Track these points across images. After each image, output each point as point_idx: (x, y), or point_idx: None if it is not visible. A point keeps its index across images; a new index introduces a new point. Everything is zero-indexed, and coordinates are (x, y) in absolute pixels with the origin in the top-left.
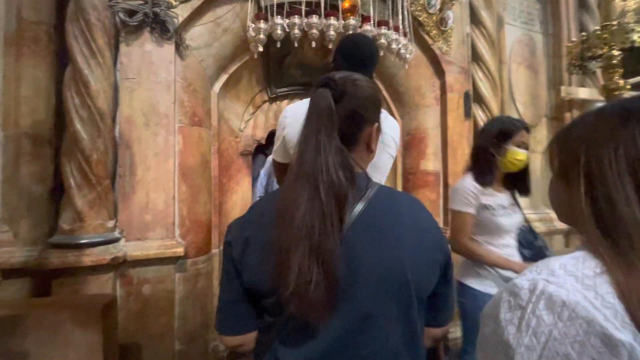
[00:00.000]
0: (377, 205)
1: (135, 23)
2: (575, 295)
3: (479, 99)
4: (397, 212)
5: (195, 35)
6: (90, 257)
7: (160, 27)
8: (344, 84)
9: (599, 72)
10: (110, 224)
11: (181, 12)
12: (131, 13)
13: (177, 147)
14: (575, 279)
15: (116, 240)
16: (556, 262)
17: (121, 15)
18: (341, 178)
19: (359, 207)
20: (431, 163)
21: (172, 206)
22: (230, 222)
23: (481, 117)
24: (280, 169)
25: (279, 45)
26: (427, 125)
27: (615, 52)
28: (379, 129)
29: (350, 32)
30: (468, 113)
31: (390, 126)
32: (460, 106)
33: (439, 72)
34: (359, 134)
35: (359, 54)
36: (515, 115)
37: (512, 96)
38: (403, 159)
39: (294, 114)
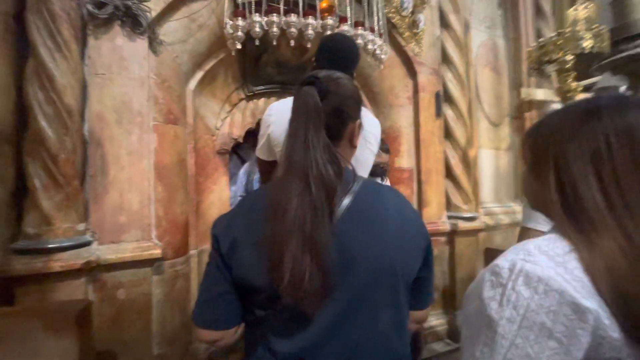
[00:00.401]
0: (364, 197)
1: (105, 16)
2: (548, 271)
3: (448, 99)
4: (382, 203)
5: (170, 30)
6: (59, 262)
7: (131, 21)
8: (328, 82)
9: (554, 74)
10: (81, 226)
11: (154, 7)
12: (100, 5)
13: (152, 146)
14: (548, 257)
15: (88, 243)
16: (531, 244)
17: (89, 7)
18: (330, 172)
19: (347, 200)
20: (405, 160)
21: (148, 207)
22: (217, 217)
23: (451, 116)
24: (264, 166)
25: (257, 43)
26: (400, 124)
27: (569, 57)
28: (360, 125)
29: (329, 31)
30: (439, 112)
31: (371, 124)
32: (431, 106)
33: (412, 73)
34: (343, 130)
35: (340, 53)
36: (481, 114)
37: (478, 97)
38: None
39: (278, 112)
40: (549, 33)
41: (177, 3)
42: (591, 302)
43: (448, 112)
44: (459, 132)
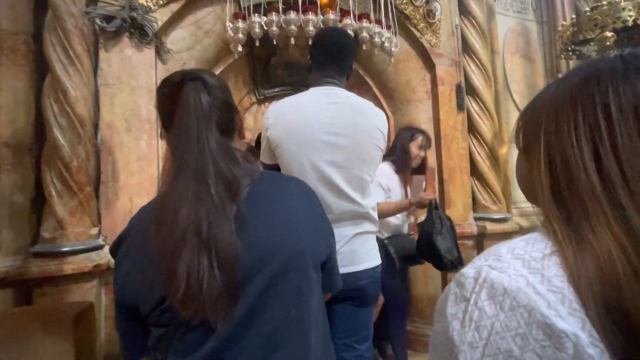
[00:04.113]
0: (264, 186)
1: (113, 29)
2: (517, 281)
3: (471, 90)
4: (285, 192)
5: (177, 38)
6: (71, 265)
7: (139, 32)
8: (205, 76)
9: (595, 56)
10: (94, 231)
11: (160, 17)
12: (108, 19)
13: (161, 152)
14: (522, 262)
15: (99, 247)
16: (504, 246)
17: (98, 21)
18: (231, 169)
19: (245, 191)
20: None
21: None
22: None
23: (475, 109)
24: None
25: (257, 43)
26: (419, 120)
27: (608, 34)
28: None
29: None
30: (461, 105)
31: (378, 119)
32: (452, 99)
33: (429, 66)
34: (233, 122)
35: (333, 47)
36: (512, 106)
37: (507, 87)
38: None
39: (275, 113)
40: None
41: (183, 11)
42: (570, 322)
43: (472, 104)
44: (484, 126)
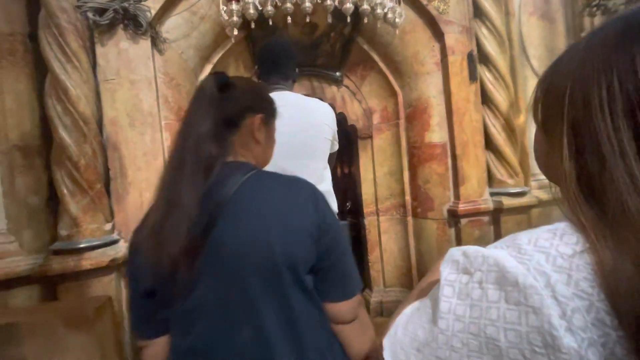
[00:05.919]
0: (249, 187)
1: (107, 21)
2: (535, 279)
3: (485, 58)
4: (267, 190)
5: (172, 27)
6: (89, 260)
7: (132, 22)
8: (235, 79)
9: (623, 9)
10: (108, 226)
11: (153, 5)
12: (101, 12)
13: (166, 144)
14: (547, 257)
15: (114, 242)
16: (525, 237)
17: (91, 15)
18: (210, 150)
19: (230, 190)
20: (436, 134)
21: None
22: None
23: (488, 79)
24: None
25: (252, 25)
26: (429, 94)
27: None
28: (263, 120)
29: (328, 1)
30: (473, 76)
31: (321, 113)
32: (464, 69)
33: (438, 35)
34: (240, 119)
35: (274, 57)
36: (529, 72)
37: (524, 51)
38: (406, 132)
39: None
40: None
41: None
42: (583, 337)
43: (485, 74)
44: (499, 97)
